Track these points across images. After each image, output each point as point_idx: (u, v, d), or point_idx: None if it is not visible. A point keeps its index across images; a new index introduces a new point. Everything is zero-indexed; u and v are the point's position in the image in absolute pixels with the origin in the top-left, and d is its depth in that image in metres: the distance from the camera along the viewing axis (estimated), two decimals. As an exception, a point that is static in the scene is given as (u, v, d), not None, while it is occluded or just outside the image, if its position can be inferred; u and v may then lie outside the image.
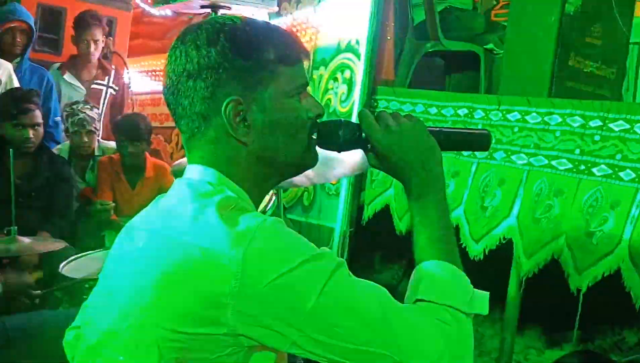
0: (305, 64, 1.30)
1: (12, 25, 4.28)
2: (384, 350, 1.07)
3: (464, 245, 2.73)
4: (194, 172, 1.23)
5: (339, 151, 1.34)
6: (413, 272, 1.22)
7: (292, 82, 1.23)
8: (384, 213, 3.17)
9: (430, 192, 1.25)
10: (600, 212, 2.32)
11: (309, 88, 1.31)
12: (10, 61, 4.22)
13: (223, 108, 1.18)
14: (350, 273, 1.12)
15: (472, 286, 1.20)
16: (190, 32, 1.22)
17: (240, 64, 1.19)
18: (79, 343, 1.27)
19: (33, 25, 4.36)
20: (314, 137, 1.27)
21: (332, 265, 1.10)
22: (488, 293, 1.20)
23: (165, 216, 1.20)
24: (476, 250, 2.69)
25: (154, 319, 1.10)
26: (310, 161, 1.30)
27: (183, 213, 1.15)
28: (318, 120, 1.28)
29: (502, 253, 2.62)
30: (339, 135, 1.28)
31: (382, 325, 1.08)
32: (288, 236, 1.12)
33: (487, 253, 2.65)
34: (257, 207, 1.25)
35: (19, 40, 4.29)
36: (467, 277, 1.21)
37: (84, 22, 4.54)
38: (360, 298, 1.09)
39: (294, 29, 3.89)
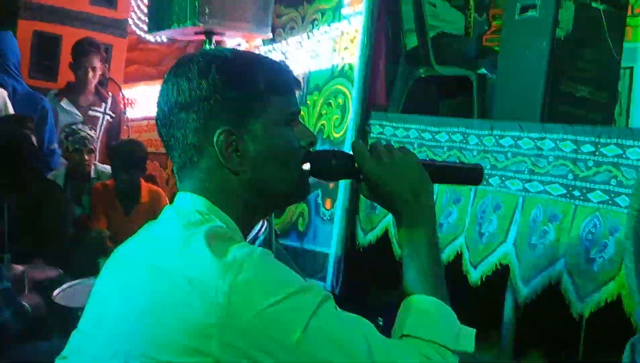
0: (297, 92, 1.30)
1: None
2: None
3: (465, 272, 2.71)
4: (184, 200, 1.22)
5: (331, 181, 1.34)
6: (401, 305, 1.20)
7: (284, 111, 1.23)
8: (383, 238, 3.16)
9: (421, 224, 1.25)
10: (600, 239, 2.30)
11: (302, 114, 1.31)
12: None
13: (215, 139, 1.18)
14: (337, 306, 1.11)
15: (459, 322, 1.19)
16: (182, 65, 1.23)
17: (231, 95, 1.19)
18: None
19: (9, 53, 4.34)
20: (305, 168, 1.26)
21: (318, 298, 1.08)
22: (474, 330, 1.19)
23: (153, 244, 1.18)
24: (475, 277, 2.67)
25: (139, 348, 1.08)
26: (302, 192, 1.29)
27: (171, 241, 1.14)
28: (311, 148, 1.27)
29: (499, 280, 2.60)
30: (332, 165, 1.28)
31: (367, 360, 1.06)
32: (275, 268, 1.10)
33: (484, 279, 2.63)
34: (246, 237, 1.24)
35: None
36: (454, 313, 1.19)
37: (82, 50, 4.57)
38: (346, 332, 1.08)
39: (288, 55, 3.90)
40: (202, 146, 1.20)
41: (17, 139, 2.66)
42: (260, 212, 1.28)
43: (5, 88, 4.24)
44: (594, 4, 2.93)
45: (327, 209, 3.41)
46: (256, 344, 1.04)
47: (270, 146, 1.21)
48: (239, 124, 1.19)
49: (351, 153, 1.28)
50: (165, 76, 1.24)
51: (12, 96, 4.26)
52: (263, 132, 1.21)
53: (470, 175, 1.40)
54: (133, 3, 5.25)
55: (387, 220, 3.12)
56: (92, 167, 4.14)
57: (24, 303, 2.47)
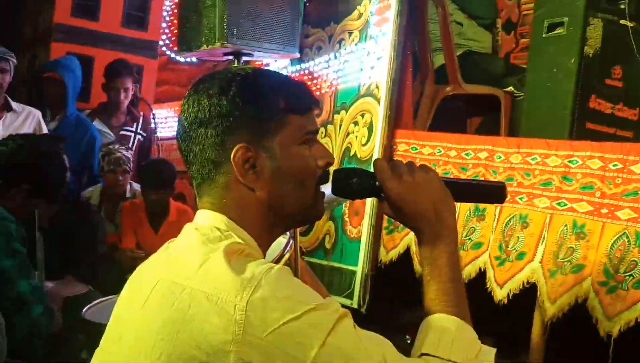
0: (316, 112, 1.30)
1: (45, 76, 4.39)
2: None
3: (489, 290, 2.68)
4: (203, 217, 1.24)
5: (353, 199, 1.34)
6: (421, 324, 1.20)
7: (302, 130, 1.24)
8: (405, 255, 3.14)
9: (442, 243, 1.25)
10: (628, 257, 2.26)
11: (329, 132, 1.32)
12: (58, 113, 4.33)
13: (232, 155, 1.19)
14: (355, 324, 1.11)
15: (479, 341, 1.18)
16: (204, 82, 1.25)
17: (250, 113, 1.20)
18: None
19: (67, 78, 4.44)
20: (323, 187, 1.27)
21: (336, 315, 1.08)
22: (495, 349, 1.18)
23: (172, 261, 1.19)
24: (500, 294, 2.63)
25: None
26: (316, 213, 1.30)
27: (190, 258, 1.15)
28: (328, 168, 1.28)
29: (526, 298, 2.56)
30: (353, 183, 1.29)
31: None
32: (293, 285, 1.10)
33: (511, 297, 2.60)
34: (264, 252, 1.24)
35: (50, 92, 4.38)
36: (474, 332, 1.19)
37: (115, 71, 4.65)
38: (363, 351, 1.07)
39: (315, 75, 3.91)
40: (219, 162, 1.21)
41: (49, 155, 2.70)
42: (278, 229, 1.28)
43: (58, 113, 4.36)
44: (622, 21, 2.91)
45: (354, 227, 3.40)
46: (273, 361, 1.04)
47: (287, 164, 1.22)
48: (257, 142, 1.20)
49: (373, 171, 1.29)
50: (187, 92, 1.26)
51: (64, 121, 4.37)
52: (280, 151, 1.22)
53: (493, 193, 1.39)
54: (163, 25, 5.33)
55: (409, 237, 3.10)
56: (128, 186, 4.19)
57: (51, 306, 2.49)
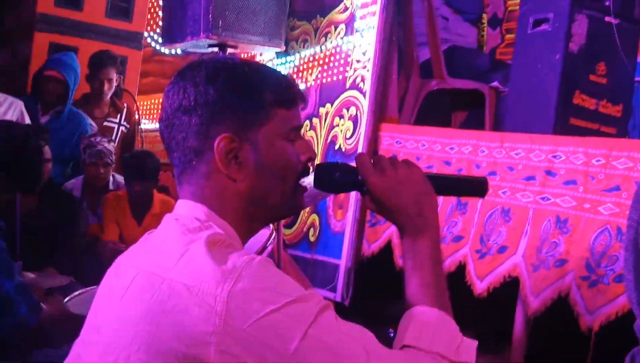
0: (302, 107, 1.30)
1: (47, 74, 4.36)
2: None
3: (469, 283, 2.68)
4: (183, 208, 1.23)
5: (336, 193, 1.34)
6: (403, 316, 1.20)
7: (287, 125, 1.24)
8: (386, 249, 3.15)
9: (424, 237, 1.25)
10: (610, 252, 2.27)
11: (314, 125, 1.32)
12: (51, 107, 4.30)
13: (216, 144, 1.19)
14: (337, 316, 1.10)
15: (460, 333, 1.18)
16: (190, 69, 1.24)
17: (236, 103, 1.20)
18: None
19: (68, 77, 4.41)
20: (304, 183, 1.27)
21: (317, 307, 1.08)
22: (476, 341, 1.18)
23: (152, 252, 1.19)
24: (480, 288, 2.64)
25: (137, 355, 1.09)
26: (295, 208, 1.30)
27: (169, 249, 1.14)
28: (310, 164, 1.28)
29: (507, 292, 2.57)
30: (336, 177, 1.29)
31: None
32: (274, 276, 1.10)
33: (491, 291, 2.60)
34: (244, 243, 1.24)
35: (51, 89, 4.36)
36: (455, 324, 1.19)
37: (99, 62, 4.63)
38: (344, 342, 1.07)
39: (301, 68, 3.90)
40: (201, 150, 1.20)
41: (34, 145, 2.68)
42: (257, 221, 1.28)
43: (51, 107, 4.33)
44: (607, 18, 2.92)
45: (338, 220, 3.40)
46: (254, 352, 1.04)
47: (270, 157, 1.22)
48: (241, 133, 1.20)
49: (355, 165, 1.28)
50: (173, 79, 1.25)
51: (57, 115, 4.34)
52: (264, 143, 1.21)
53: (475, 187, 1.39)
54: (148, 16, 5.29)
55: (391, 231, 3.10)
56: (110, 178, 4.16)
57: (37, 299, 2.47)
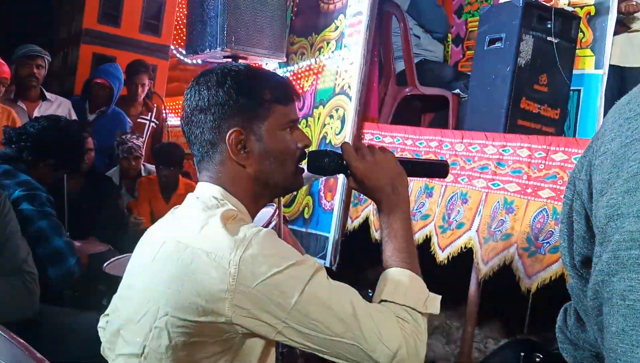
0: (297, 104, 1.29)
1: (97, 81, 4.34)
2: (353, 341, 1.05)
3: (433, 253, 2.69)
4: (203, 189, 1.23)
5: (325, 176, 1.34)
6: (380, 276, 1.20)
7: (285, 118, 1.23)
8: (364, 224, 3.16)
9: (398, 211, 1.24)
10: (547, 228, 2.29)
11: (309, 123, 1.31)
12: (98, 107, 4.27)
13: (227, 137, 1.18)
14: (328, 276, 1.11)
15: (427, 290, 1.18)
16: (204, 75, 1.23)
17: (242, 102, 1.19)
18: (107, 327, 1.26)
19: (114, 84, 4.39)
20: (301, 165, 1.26)
21: (313, 269, 1.08)
22: (440, 296, 1.18)
23: (177, 224, 1.19)
24: (442, 256, 2.66)
25: (165, 309, 1.09)
26: (297, 185, 1.29)
27: (192, 222, 1.14)
28: (306, 150, 1.27)
29: (464, 260, 2.59)
30: (325, 162, 1.29)
31: (352, 320, 1.06)
32: (277, 244, 1.10)
33: (450, 259, 2.62)
34: (253, 218, 1.24)
35: (100, 94, 4.34)
36: (423, 282, 1.19)
37: (135, 70, 4.59)
38: (335, 298, 1.08)
39: (299, 76, 3.89)
40: (216, 143, 1.20)
41: (77, 136, 2.67)
42: (264, 199, 1.27)
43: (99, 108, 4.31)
44: (549, 38, 2.92)
45: (328, 201, 3.41)
46: (261, 306, 1.05)
47: (272, 145, 1.21)
48: (248, 126, 1.19)
49: (341, 153, 1.29)
50: (190, 84, 1.24)
51: (102, 114, 4.32)
52: (267, 134, 1.21)
53: (439, 169, 1.40)
54: (174, 32, 5.26)
55: (369, 209, 3.11)
56: (142, 167, 4.15)
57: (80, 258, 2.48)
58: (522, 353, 2.06)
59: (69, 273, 2.32)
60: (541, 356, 2.04)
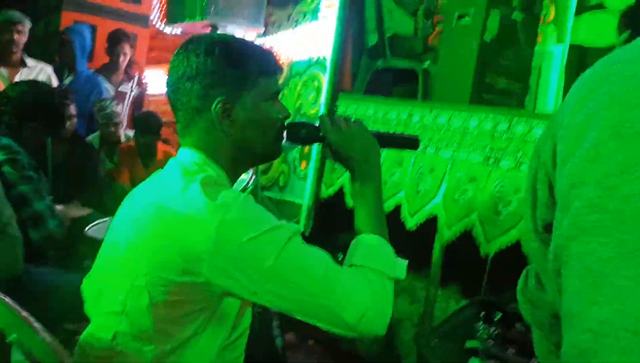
0: (280, 76, 1.29)
1: (63, 38, 4.22)
2: (325, 302, 1.07)
3: (403, 220, 2.72)
4: (184, 154, 1.23)
5: (302, 145, 1.35)
6: (352, 242, 1.22)
7: (269, 90, 1.23)
8: (339, 192, 3.17)
9: (370, 180, 1.26)
10: (506, 196, 2.33)
11: (285, 94, 1.32)
12: (67, 68, 4.16)
13: (213, 106, 1.18)
14: (303, 241, 1.12)
15: (395, 255, 1.20)
16: (192, 43, 1.21)
17: (229, 72, 1.18)
18: (90, 286, 1.27)
19: (74, 39, 4.26)
20: (281, 135, 1.27)
21: (289, 234, 1.10)
22: (407, 261, 1.20)
23: (159, 188, 1.19)
24: (411, 223, 2.69)
25: (145, 268, 1.10)
26: (276, 153, 1.30)
27: (173, 186, 1.14)
28: (285, 121, 1.28)
29: (430, 226, 2.63)
30: (302, 133, 1.30)
31: (325, 282, 1.08)
32: (255, 209, 1.11)
33: (418, 225, 2.66)
34: (232, 184, 1.24)
35: (70, 55, 4.22)
36: (392, 247, 1.21)
37: (117, 38, 4.50)
38: (308, 261, 1.09)
39: (275, 47, 3.85)
40: (201, 110, 1.19)
41: (57, 99, 2.62)
42: (244, 166, 1.28)
43: (72, 70, 4.18)
44: (514, 14, 2.92)
45: (302, 169, 3.42)
46: (238, 268, 1.06)
47: (256, 115, 1.21)
48: (234, 96, 1.19)
49: (318, 124, 1.29)
50: (177, 50, 1.22)
51: (76, 77, 4.20)
52: (251, 104, 1.21)
53: (409, 143, 1.41)
54: (155, 1, 5.13)
55: (343, 178, 3.12)
56: (122, 133, 4.09)
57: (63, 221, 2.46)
58: (483, 312, 2.12)
59: (50, 236, 2.30)
60: (501, 314, 2.10)
